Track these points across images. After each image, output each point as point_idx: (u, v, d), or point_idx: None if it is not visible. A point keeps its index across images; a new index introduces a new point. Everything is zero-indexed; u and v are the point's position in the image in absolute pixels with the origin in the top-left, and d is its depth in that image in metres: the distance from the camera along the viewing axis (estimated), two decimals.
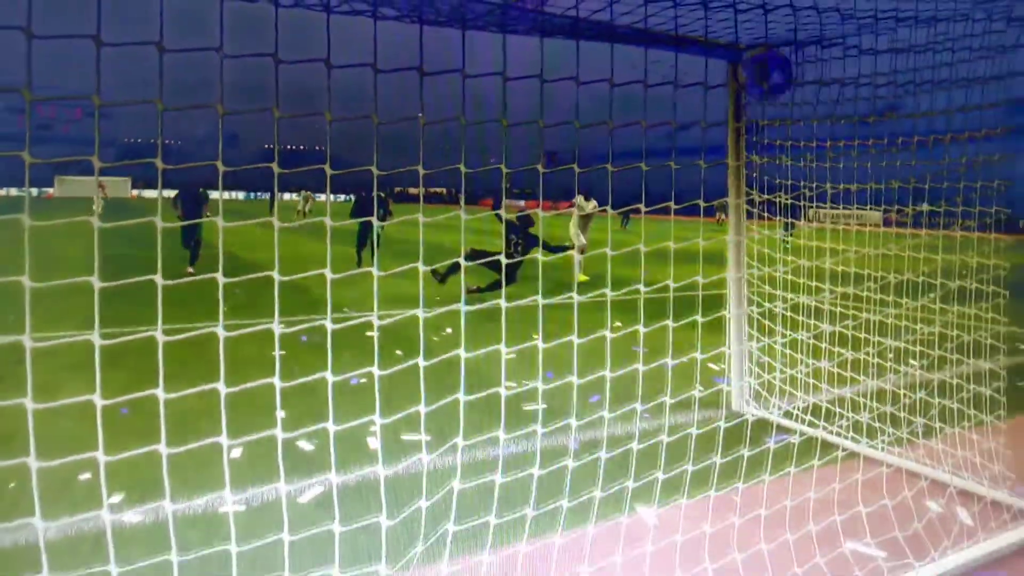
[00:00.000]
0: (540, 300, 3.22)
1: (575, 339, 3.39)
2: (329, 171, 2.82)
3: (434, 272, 10.19)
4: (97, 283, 2.24)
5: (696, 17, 4.04)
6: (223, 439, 2.53)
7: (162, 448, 2.40)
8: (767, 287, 5.83)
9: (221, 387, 2.51)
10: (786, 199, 5.65)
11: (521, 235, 10.80)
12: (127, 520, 3.88)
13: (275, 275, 2.54)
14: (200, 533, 3.67)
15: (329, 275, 2.75)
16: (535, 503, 3.25)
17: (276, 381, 2.62)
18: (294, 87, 2.88)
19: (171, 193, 14.50)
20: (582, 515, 3.49)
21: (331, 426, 2.79)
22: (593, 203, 14.62)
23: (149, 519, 3.85)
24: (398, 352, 3.09)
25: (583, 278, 13.84)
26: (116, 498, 4.02)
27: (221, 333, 2.52)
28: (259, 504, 4.15)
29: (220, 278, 2.54)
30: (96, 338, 2.26)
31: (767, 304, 5.76)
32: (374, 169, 2.88)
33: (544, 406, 3.62)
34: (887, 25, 4.57)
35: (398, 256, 3.28)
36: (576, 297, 3.40)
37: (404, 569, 3.24)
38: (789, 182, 5.60)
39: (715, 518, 3.59)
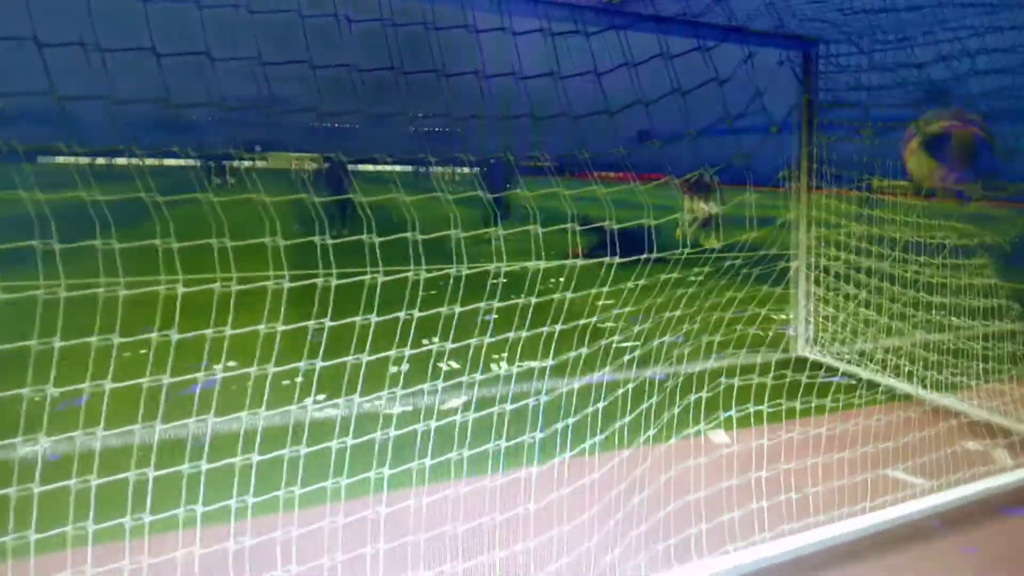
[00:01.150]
0: (647, 258, 3.52)
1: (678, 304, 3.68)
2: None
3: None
4: (279, 242, 2.80)
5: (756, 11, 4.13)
6: (393, 353, 3.05)
7: (349, 359, 2.98)
8: (831, 249, 5.87)
9: (373, 317, 3.01)
10: (852, 173, 5.64)
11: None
12: (327, 413, 4.59)
13: (411, 235, 3.02)
14: (372, 423, 4.27)
15: (458, 234, 3.21)
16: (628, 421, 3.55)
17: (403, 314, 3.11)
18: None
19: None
20: (666, 433, 3.77)
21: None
22: (704, 206, 14.42)
23: (343, 412, 4.50)
24: (519, 299, 3.46)
25: (714, 243, 13.80)
26: (320, 396, 4.73)
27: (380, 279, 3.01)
28: (414, 408, 4.75)
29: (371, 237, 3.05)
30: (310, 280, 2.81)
31: (831, 263, 5.82)
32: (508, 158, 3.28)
33: (637, 343, 3.91)
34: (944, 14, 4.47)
35: (523, 219, 3.65)
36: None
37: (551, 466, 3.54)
38: (857, 158, 5.58)
39: (772, 443, 3.77)
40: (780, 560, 3.31)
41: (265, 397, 2.83)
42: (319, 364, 2.92)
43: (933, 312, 5.19)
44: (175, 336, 2.65)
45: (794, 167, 5.97)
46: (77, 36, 2.55)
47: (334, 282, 2.91)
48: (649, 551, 3.21)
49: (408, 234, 3.01)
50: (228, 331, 2.75)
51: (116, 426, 2.62)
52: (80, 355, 2.51)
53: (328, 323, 2.89)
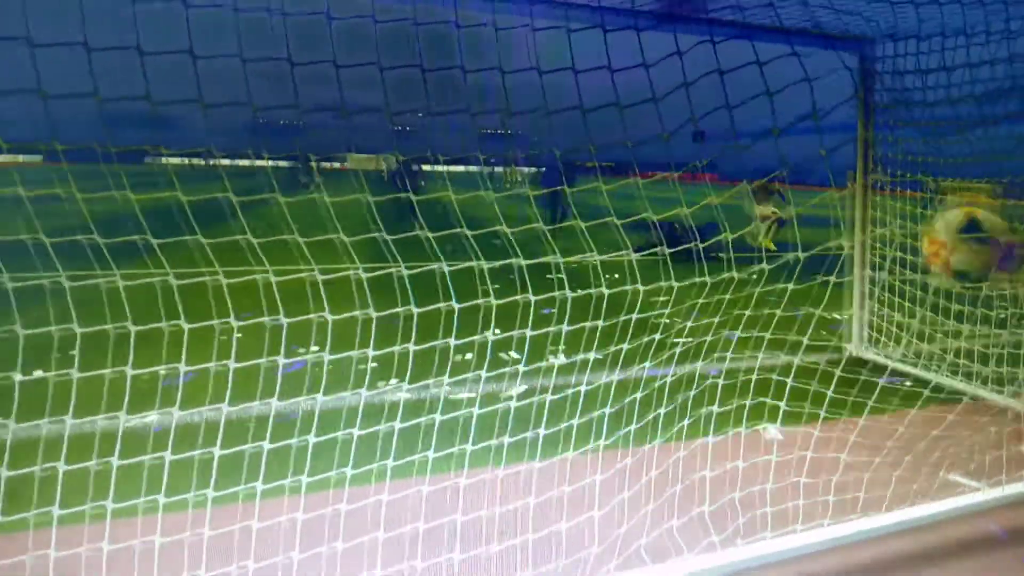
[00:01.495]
0: (697, 251, 3.53)
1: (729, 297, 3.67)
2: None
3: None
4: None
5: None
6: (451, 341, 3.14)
7: (411, 346, 3.07)
8: (890, 249, 5.67)
9: (455, 303, 3.11)
10: (911, 176, 5.44)
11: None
12: (403, 395, 4.72)
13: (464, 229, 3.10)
14: (448, 405, 4.40)
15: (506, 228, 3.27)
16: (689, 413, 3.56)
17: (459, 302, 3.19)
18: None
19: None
20: (722, 425, 3.71)
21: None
22: (772, 209, 14.09)
23: (416, 396, 4.64)
24: (578, 291, 3.50)
25: (770, 243, 13.51)
26: (393, 382, 4.88)
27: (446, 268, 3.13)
28: (481, 393, 4.82)
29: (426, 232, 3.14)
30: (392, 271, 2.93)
31: (890, 263, 5.62)
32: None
33: (689, 339, 3.89)
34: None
35: (584, 218, 3.68)
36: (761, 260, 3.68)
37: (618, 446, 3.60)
38: (913, 158, 5.38)
39: (827, 440, 3.71)
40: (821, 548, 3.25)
41: (350, 380, 2.96)
42: (411, 348, 3.03)
43: (994, 311, 4.97)
44: (284, 321, 2.80)
45: (854, 168, 5.79)
46: (174, 47, 2.72)
47: (404, 272, 3.02)
48: (708, 534, 3.21)
49: (458, 229, 3.09)
50: (328, 316, 2.89)
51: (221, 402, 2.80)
52: (181, 338, 2.69)
53: (416, 310, 2.98)
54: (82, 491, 2.64)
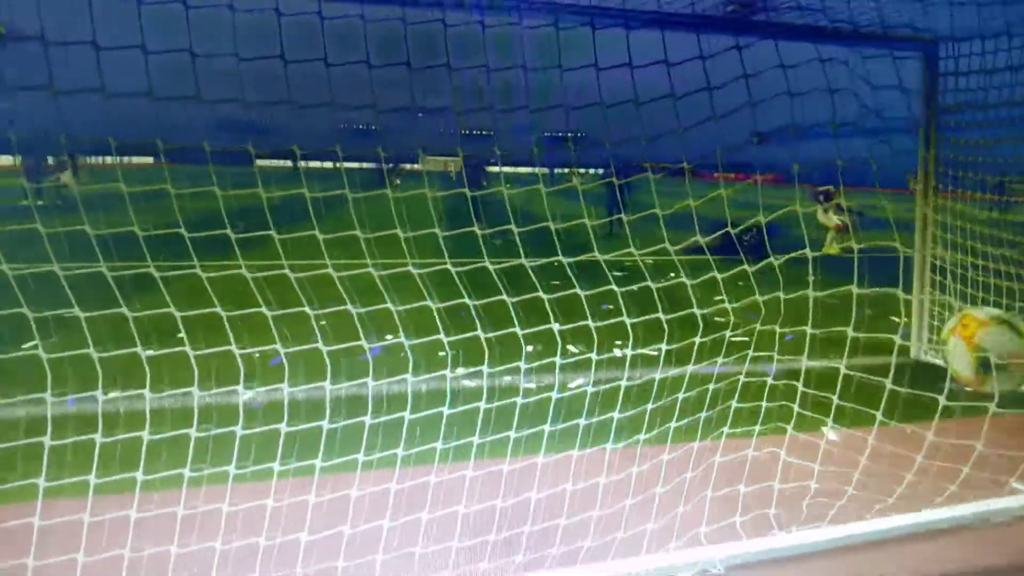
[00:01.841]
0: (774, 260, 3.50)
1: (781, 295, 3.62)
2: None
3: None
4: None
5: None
6: (519, 330, 3.20)
7: (480, 333, 3.15)
8: (955, 252, 5.40)
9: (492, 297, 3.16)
10: (976, 175, 5.17)
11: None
12: (465, 383, 4.84)
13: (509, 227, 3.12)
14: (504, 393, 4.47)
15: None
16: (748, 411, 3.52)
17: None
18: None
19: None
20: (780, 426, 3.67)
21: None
22: (836, 218, 13.61)
23: (474, 383, 4.74)
24: (634, 287, 3.50)
25: (835, 250, 13.07)
26: (460, 370, 4.97)
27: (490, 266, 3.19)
28: (542, 385, 4.86)
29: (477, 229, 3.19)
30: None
31: (953, 266, 5.36)
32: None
33: (751, 339, 3.81)
34: None
35: (645, 218, 3.68)
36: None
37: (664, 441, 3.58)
38: (975, 159, 5.11)
39: (885, 444, 3.59)
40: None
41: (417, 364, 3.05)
42: (496, 334, 3.11)
43: None
44: (360, 310, 2.92)
45: (919, 169, 5.54)
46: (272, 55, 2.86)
47: (453, 268, 3.08)
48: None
49: (511, 226, 3.13)
50: (433, 304, 3.02)
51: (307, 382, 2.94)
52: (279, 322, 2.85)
53: (513, 300, 3.06)
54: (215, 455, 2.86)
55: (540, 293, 3.19)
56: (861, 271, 3.53)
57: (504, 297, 3.14)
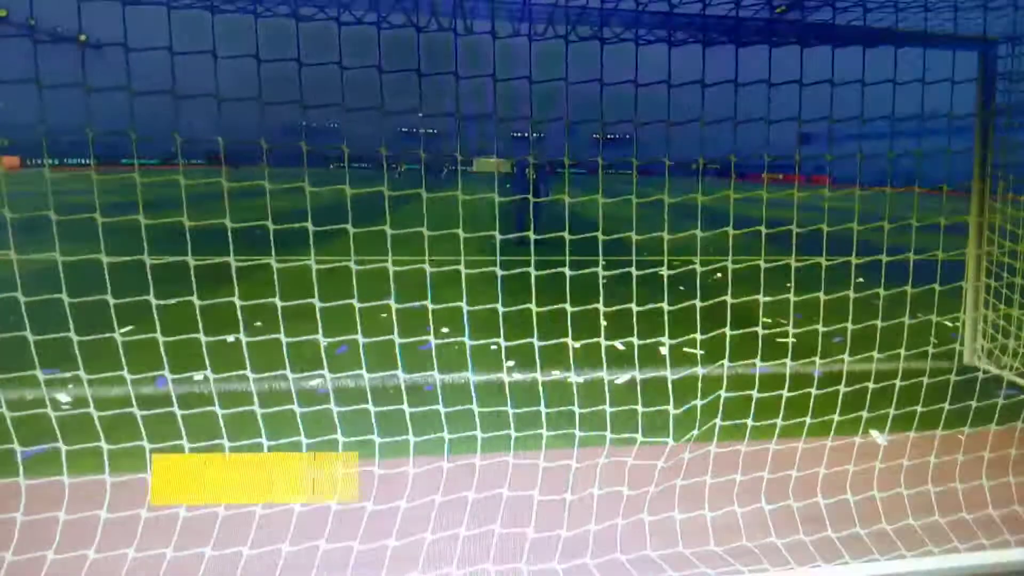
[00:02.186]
0: (793, 263, 3.49)
1: (821, 295, 3.57)
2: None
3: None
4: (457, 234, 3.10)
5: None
6: (569, 340, 3.24)
7: (534, 341, 3.25)
8: (1008, 257, 5.22)
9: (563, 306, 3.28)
10: None
11: None
12: (516, 377, 4.98)
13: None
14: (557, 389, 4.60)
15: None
16: (782, 415, 3.37)
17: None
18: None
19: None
20: (823, 431, 3.53)
21: (635, 340, 3.33)
22: None
23: (527, 378, 4.83)
24: (681, 287, 3.53)
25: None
26: (510, 363, 5.14)
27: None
28: (588, 379, 4.94)
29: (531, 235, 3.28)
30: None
31: (1006, 274, 5.17)
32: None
33: (794, 341, 3.77)
34: None
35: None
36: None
37: (690, 441, 3.61)
38: None
39: (938, 452, 3.44)
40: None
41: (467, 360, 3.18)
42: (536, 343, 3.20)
43: None
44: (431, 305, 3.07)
45: (974, 171, 5.35)
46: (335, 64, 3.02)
47: (498, 270, 3.19)
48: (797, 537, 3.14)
49: (562, 233, 3.18)
50: (500, 308, 3.10)
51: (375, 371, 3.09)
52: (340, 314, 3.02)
53: (571, 308, 3.13)
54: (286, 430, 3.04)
55: (598, 305, 3.26)
56: (914, 273, 3.48)
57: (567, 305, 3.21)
